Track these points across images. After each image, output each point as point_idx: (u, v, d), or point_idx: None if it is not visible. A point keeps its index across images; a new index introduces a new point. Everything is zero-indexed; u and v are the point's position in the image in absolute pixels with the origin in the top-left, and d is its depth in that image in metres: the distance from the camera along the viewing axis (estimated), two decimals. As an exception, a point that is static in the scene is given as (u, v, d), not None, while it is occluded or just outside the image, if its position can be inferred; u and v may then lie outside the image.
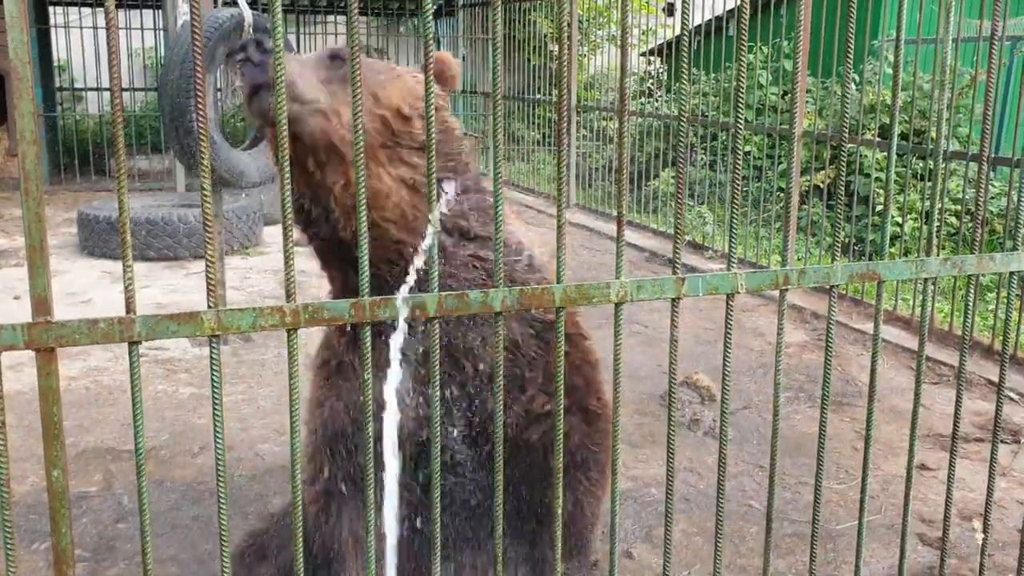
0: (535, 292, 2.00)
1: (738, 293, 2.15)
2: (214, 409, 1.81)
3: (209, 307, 1.77)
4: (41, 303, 1.69)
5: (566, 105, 1.99)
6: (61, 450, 1.74)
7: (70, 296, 6.63)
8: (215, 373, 1.80)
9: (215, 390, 1.81)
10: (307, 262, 8.16)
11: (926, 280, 2.50)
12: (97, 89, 13.02)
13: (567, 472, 2.76)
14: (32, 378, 4.88)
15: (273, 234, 9.22)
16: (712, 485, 3.93)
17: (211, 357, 1.80)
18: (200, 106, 1.75)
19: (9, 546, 1.72)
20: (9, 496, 1.73)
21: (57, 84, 13.58)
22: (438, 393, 1.94)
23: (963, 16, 6.32)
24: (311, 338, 2.80)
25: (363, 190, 1.82)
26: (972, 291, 2.53)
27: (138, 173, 12.13)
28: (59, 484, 1.75)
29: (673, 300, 2.12)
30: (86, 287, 7.12)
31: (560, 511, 2.11)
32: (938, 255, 2.43)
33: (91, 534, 3.46)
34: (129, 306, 1.73)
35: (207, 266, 1.78)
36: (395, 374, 2.39)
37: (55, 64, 13.57)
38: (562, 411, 2.08)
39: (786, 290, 2.22)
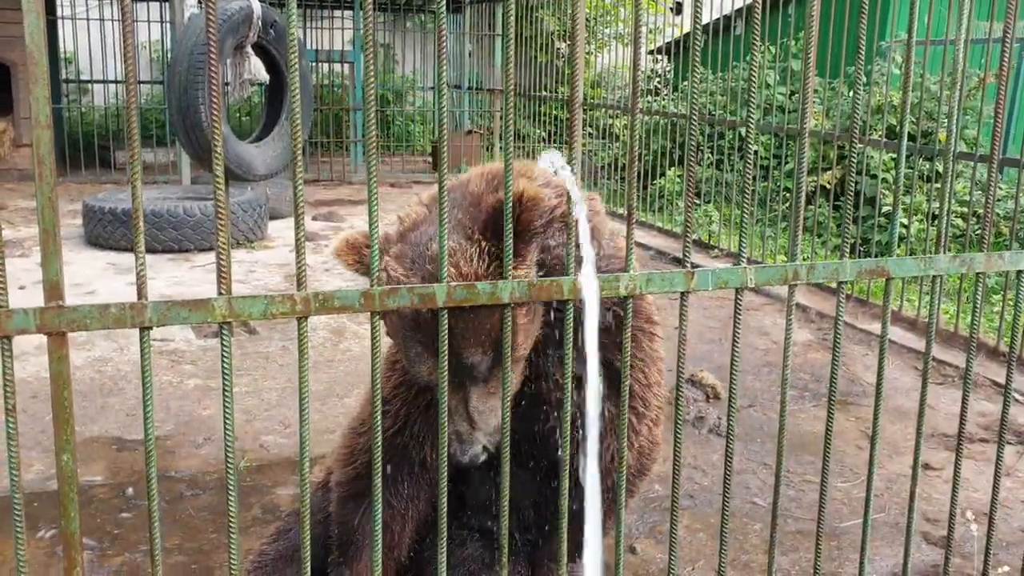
0: (544, 284, 2.00)
1: (747, 288, 2.15)
2: (224, 396, 1.82)
3: (220, 294, 1.78)
4: (53, 288, 1.69)
5: (577, 101, 1.99)
6: (71, 434, 1.74)
7: (75, 287, 6.63)
8: (226, 360, 1.80)
9: (225, 377, 1.81)
10: (312, 255, 8.11)
11: (934, 278, 2.50)
12: (103, 81, 13.03)
13: (604, 481, 2.79)
14: (34, 366, 4.92)
15: (279, 228, 9.22)
16: (716, 482, 3.93)
17: (221, 343, 1.81)
18: (214, 97, 1.75)
19: (18, 528, 1.72)
20: (20, 479, 1.74)
21: (63, 76, 13.59)
22: (445, 382, 1.94)
23: (972, 18, 6.31)
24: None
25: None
26: (979, 290, 2.53)
27: (143, 166, 12.13)
28: (68, 468, 1.75)
29: (682, 294, 2.12)
30: (91, 278, 7.13)
31: (566, 509, 2.11)
32: (945, 254, 2.43)
33: (96, 523, 3.46)
34: (140, 292, 1.73)
35: (218, 254, 1.78)
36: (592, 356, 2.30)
37: (61, 56, 13.58)
38: (569, 402, 2.08)
39: (795, 285, 2.22)
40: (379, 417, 1.91)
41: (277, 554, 2.91)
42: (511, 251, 1.94)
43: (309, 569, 1.92)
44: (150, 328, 1.75)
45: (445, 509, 2.00)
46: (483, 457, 2.20)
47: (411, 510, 2.66)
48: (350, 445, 2.73)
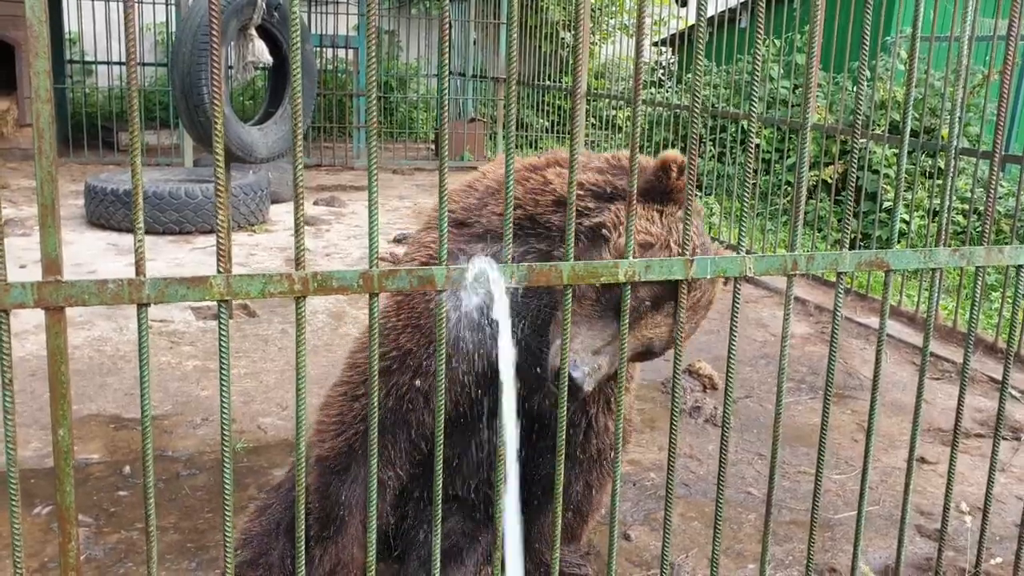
0: (543, 269, 2.00)
1: (746, 276, 2.15)
2: (221, 373, 1.82)
3: (219, 272, 1.78)
4: (51, 263, 1.69)
5: (580, 91, 1.99)
6: (68, 409, 1.75)
7: (76, 267, 6.64)
8: (223, 338, 1.80)
9: (223, 355, 1.81)
10: (313, 240, 8.10)
11: (933, 272, 2.50)
12: (107, 63, 13.00)
13: (588, 460, 2.84)
14: (33, 344, 4.93)
15: (280, 212, 9.22)
16: (711, 472, 3.94)
17: (219, 322, 1.81)
18: (215, 76, 1.75)
19: (14, 503, 1.73)
20: (16, 454, 1.74)
21: (67, 57, 13.55)
22: (443, 364, 1.94)
23: (977, 14, 6.29)
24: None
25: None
26: (978, 284, 2.53)
27: (146, 148, 12.12)
28: (64, 443, 1.76)
29: (681, 282, 2.12)
30: (92, 258, 7.13)
31: (561, 492, 2.12)
32: (945, 247, 2.42)
33: (93, 500, 3.47)
34: (139, 268, 1.73)
35: (217, 233, 1.78)
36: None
37: (66, 36, 13.54)
38: (566, 386, 2.09)
39: (794, 275, 2.22)
40: (376, 398, 1.92)
41: (262, 529, 2.93)
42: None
43: (304, 553, 1.93)
44: (148, 305, 1.75)
45: (440, 489, 2.00)
46: (588, 388, 2.21)
47: (392, 480, 2.65)
48: (341, 413, 2.67)
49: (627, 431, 3.05)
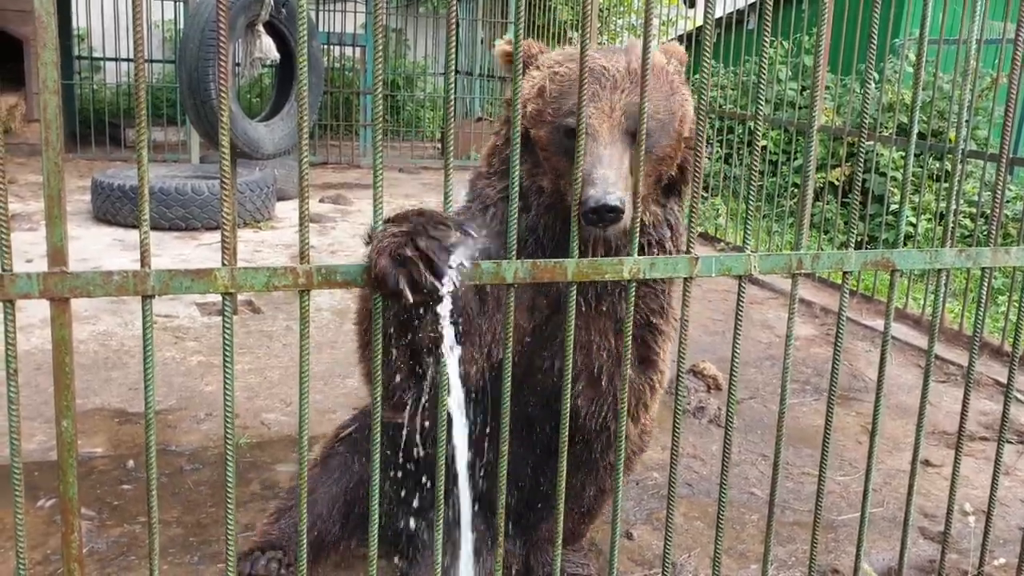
0: (547, 266, 2.00)
1: (751, 274, 2.15)
2: (224, 367, 1.82)
3: (223, 265, 1.78)
4: (57, 253, 1.69)
5: (584, 91, 1.99)
6: (72, 400, 1.75)
7: (81, 262, 6.65)
8: (227, 331, 1.80)
9: (226, 349, 1.81)
10: (318, 237, 8.12)
11: (939, 273, 2.49)
12: (116, 59, 13.02)
13: (605, 468, 2.83)
14: (39, 339, 4.94)
15: (286, 209, 9.22)
16: (715, 472, 3.93)
17: (223, 316, 1.81)
18: (222, 71, 1.75)
19: (17, 493, 1.73)
20: (20, 445, 1.74)
21: (76, 53, 13.58)
22: (450, 354, 1.94)
23: (986, 18, 6.28)
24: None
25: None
26: (984, 287, 2.53)
27: (153, 144, 12.14)
28: (68, 433, 1.76)
29: (685, 280, 2.12)
30: (97, 254, 7.15)
31: (563, 490, 2.12)
32: (951, 248, 2.41)
33: (96, 494, 3.48)
34: (144, 260, 1.73)
35: (223, 226, 1.78)
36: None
37: (74, 32, 13.57)
38: (569, 384, 2.08)
39: (799, 274, 2.22)
40: (379, 391, 1.92)
41: (281, 534, 2.92)
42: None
43: (305, 544, 1.94)
44: (152, 296, 1.75)
45: (442, 489, 2.00)
46: (631, 211, 2.15)
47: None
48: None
49: (644, 441, 3.04)
